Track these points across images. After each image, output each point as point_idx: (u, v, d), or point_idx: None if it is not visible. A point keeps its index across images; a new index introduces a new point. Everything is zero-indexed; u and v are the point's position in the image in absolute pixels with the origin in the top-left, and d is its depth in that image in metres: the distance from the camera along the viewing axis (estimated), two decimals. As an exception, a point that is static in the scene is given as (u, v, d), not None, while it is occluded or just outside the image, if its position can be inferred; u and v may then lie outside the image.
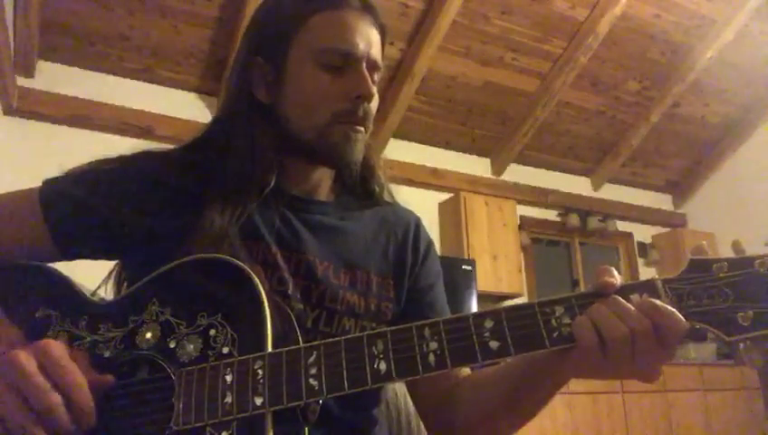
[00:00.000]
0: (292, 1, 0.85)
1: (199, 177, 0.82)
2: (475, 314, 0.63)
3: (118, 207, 0.79)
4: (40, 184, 0.82)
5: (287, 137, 0.83)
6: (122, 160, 0.84)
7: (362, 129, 0.83)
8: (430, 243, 0.97)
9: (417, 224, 0.97)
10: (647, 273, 5.65)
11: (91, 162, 0.84)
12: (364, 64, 0.82)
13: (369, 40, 0.83)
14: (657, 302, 0.59)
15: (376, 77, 0.84)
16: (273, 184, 0.82)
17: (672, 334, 0.57)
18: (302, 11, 0.82)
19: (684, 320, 0.58)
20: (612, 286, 0.62)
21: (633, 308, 0.59)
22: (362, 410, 0.84)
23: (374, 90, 0.82)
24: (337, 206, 0.91)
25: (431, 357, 0.61)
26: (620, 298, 0.60)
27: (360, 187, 0.94)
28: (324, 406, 0.72)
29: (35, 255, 0.81)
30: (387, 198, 0.97)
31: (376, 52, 0.84)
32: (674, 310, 0.58)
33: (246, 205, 0.80)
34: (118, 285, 0.85)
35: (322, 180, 0.90)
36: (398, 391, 0.98)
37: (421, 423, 0.94)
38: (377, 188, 0.95)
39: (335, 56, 0.81)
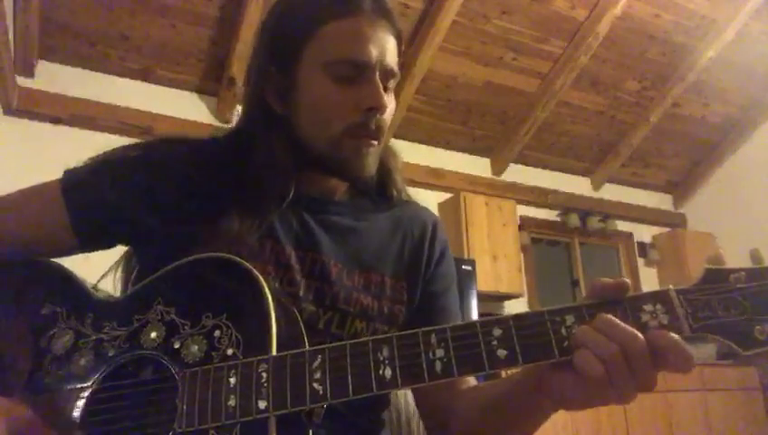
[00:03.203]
0: (302, 8, 0.82)
1: (220, 179, 0.81)
2: (482, 322, 0.61)
3: (137, 200, 0.79)
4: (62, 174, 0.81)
5: (301, 147, 0.82)
6: (144, 148, 0.83)
7: (375, 142, 0.80)
8: (446, 245, 0.95)
9: (435, 224, 0.95)
10: (647, 273, 5.65)
11: (115, 150, 0.83)
12: (377, 74, 0.78)
13: (382, 47, 0.79)
14: (672, 336, 0.55)
15: (391, 84, 0.82)
16: (292, 193, 0.81)
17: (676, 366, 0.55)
18: (313, 19, 0.79)
19: (691, 357, 0.54)
20: (623, 294, 0.59)
21: (624, 325, 0.56)
22: (368, 412, 0.84)
23: (386, 100, 0.79)
24: (353, 206, 0.89)
25: (437, 365, 0.60)
26: (612, 317, 0.57)
27: (378, 190, 0.92)
28: (329, 408, 0.72)
29: (55, 246, 0.80)
30: (404, 197, 0.95)
31: (391, 58, 0.80)
32: (684, 347, 0.55)
33: (266, 216, 0.79)
34: (127, 272, 0.84)
35: (339, 182, 0.88)
36: (399, 391, 0.98)
37: (422, 425, 0.94)
38: (394, 192, 0.93)
39: (347, 67, 0.78)
